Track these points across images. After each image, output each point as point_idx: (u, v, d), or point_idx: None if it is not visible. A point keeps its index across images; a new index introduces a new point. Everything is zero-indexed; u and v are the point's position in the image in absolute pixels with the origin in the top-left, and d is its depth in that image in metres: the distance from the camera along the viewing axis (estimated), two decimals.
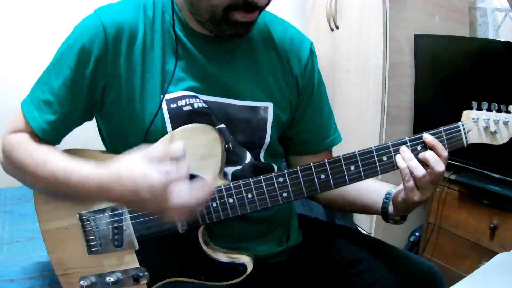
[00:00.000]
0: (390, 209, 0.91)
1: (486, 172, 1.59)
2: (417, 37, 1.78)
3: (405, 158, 0.81)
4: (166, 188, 0.69)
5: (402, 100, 1.84)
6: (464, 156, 1.65)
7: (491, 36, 1.90)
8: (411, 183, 0.82)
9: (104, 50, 0.82)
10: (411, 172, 0.81)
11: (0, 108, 1.51)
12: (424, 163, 0.81)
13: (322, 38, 2.21)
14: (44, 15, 1.92)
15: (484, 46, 1.63)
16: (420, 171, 0.80)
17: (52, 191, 0.83)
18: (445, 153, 0.82)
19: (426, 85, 1.80)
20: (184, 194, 0.70)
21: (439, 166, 0.81)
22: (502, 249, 1.51)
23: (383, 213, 0.92)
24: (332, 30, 2.11)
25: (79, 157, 0.82)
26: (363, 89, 1.93)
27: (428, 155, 0.81)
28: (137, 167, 0.71)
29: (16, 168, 0.84)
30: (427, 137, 0.82)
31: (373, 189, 0.94)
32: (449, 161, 1.81)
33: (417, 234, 1.94)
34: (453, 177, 1.70)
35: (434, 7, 1.83)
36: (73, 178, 0.77)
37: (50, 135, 0.85)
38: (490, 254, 1.52)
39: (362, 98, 1.94)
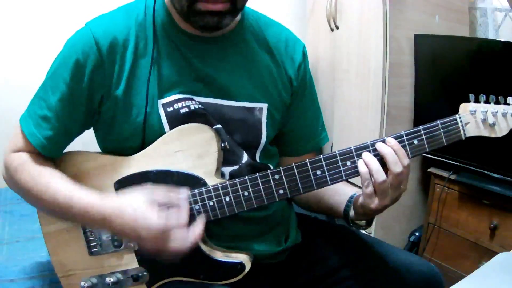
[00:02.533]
0: (352, 213, 0.91)
1: (486, 172, 1.59)
2: (417, 37, 1.78)
3: (367, 161, 0.81)
4: (164, 233, 0.74)
5: (402, 100, 1.84)
6: (464, 156, 1.65)
7: (491, 36, 1.90)
8: (370, 189, 0.81)
9: (98, 62, 0.83)
10: (371, 176, 0.80)
11: (0, 108, 1.51)
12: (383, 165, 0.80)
13: (322, 38, 2.21)
14: (44, 15, 1.92)
15: (484, 46, 1.63)
16: (381, 176, 0.79)
17: (54, 214, 0.86)
18: (405, 161, 0.81)
19: (426, 85, 1.80)
20: (182, 240, 0.76)
21: (397, 167, 0.79)
22: (502, 249, 1.51)
23: (345, 216, 0.93)
24: (332, 30, 2.11)
25: (77, 162, 0.87)
26: (363, 89, 1.93)
27: (387, 151, 0.80)
28: (139, 207, 0.75)
29: (19, 189, 0.87)
30: (389, 140, 0.81)
31: (341, 190, 0.95)
32: (449, 161, 1.81)
33: (417, 234, 1.94)
34: (453, 177, 1.70)
35: (434, 7, 1.83)
36: (75, 207, 0.80)
37: (50, 150, 0.86)
38: (490, 254, 1.52)
39: (362, 98, 1.94)
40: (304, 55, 1.00)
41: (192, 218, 0.84)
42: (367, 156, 0.81)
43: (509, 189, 1.51)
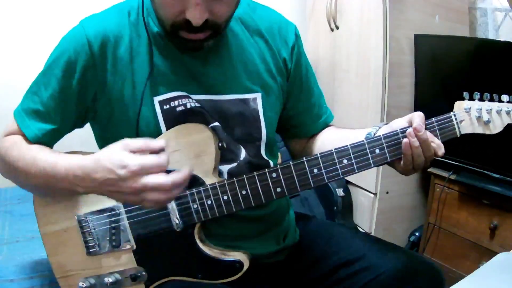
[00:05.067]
0: None
1: (486, 172, 1.59)
2: (417, 37, 1.78)
3: (411, 144, 0.82)
4: (143, 169, 0.71)
5: (402, 100, 1.84)
6: (464, 156, 1.65)
7: (491, 36, 1.90)
8: (410, 166, 0.84)
9: (90, 60, 0.84)
10: (413, 158, 0.82)
11: (0, 109, 1.51)
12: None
13: (322, 38, 2.21)
14: (44, 15, 1.93)
15: (484, 46, 1.63)
16: (421, 159, 0.82)
17: (43, 187, 0.85)
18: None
19: (426, 85, 1.80)
20: (161, 176, 0.72)
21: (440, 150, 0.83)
22: (502, 249, 1.51)
23: None
24: (332, 30, 2.11)
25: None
26: (363, 89, 1.93)
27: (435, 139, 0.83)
28: (115, 153, 0.74)
29: (10, 168, 0.86)
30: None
31: (353, 135, 0.93)
32: (449, 161, 1.81)
33: (417, 234, 1.94)
34: (453, 177, 1.70)
35: (434, 7, 1.83)
36: (59, 169, 0.79)
37: (42, 141, 0.87)
38: (490, 254, 1.52)
39: (362, 98, 1.94)
40: (297, 36, 1.00)
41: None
42: (413, 136, 0.82)
43: (509, 189, 1.51)
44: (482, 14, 1.92)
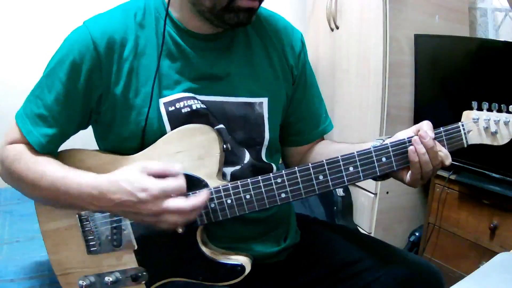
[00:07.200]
0: None
1: (486, 172, 1.59)
2: (417, 37, 1.78)
3: (418, 151, 0.81)
4: (164, 192, 0.74)
5: (402, 100, 1.84)
6: (464, 156, 1.64)
7: (491, 36, 1.90)
8: (418, 175, 0.83)
9: (96, 63, 0.83)
10: (420, 166, 0.81)
11: (0, 108, 1.51)
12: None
13: (322, 38, 2.21)
14: (42, 15, 1.93)
15: (484, 46, 1.63)
16: (429, 167, 0.81)
17: (51, 200, 0.85)
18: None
19: (426, 85, 1.80)
20: (181, 200, 0.74)
21: (447, 160, 0.83)
22: (502, 249, 1.51)
23: None
24: (332, 30, 2.11)
25: (77, 160, 0.87)
26: (363, 89, 1.93)
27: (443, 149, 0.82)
28: (136, 179, 0.76)
29: (15, 180, 0.86)
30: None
31: (353, 148, 0.93)
32: None
33: (417, 234, 1.94)
34: (453, 177, 1.70)
35: (434, 7, 1.83)
36: (73, 186, 0.79)
37: (47, 148, 0.86)
38: (490, 254, 1.52)
39: (362, 98, 1.94)
40: (303, 43, 1.00)
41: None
42: (418, 143, 0.81)
43: (509, 189, 1.51)
44: (482, 14, 1.92)
